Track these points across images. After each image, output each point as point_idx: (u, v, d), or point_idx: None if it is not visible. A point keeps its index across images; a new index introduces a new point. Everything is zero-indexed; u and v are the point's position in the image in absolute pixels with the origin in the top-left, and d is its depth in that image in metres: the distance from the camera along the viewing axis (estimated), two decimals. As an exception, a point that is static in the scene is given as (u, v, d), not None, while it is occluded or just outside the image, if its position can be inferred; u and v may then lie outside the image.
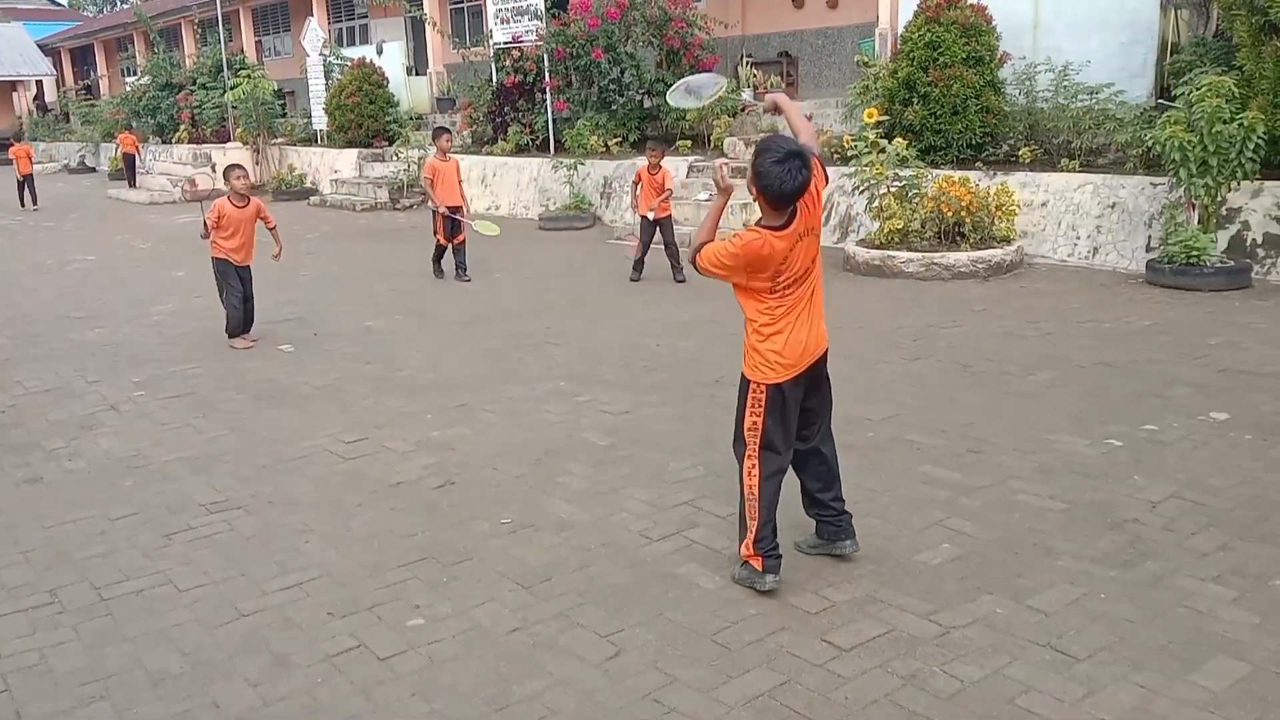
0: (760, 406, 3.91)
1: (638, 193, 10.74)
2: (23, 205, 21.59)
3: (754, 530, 3.93)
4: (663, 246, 10.64)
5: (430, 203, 11.20)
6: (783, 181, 3.64)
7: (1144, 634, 3.58)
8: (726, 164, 4.91)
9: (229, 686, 3.49)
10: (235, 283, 8.38)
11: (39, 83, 44.04)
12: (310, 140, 23.17)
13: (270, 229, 8.60)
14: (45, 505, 5.20)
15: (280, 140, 23.69)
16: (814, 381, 4.01)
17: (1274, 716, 3.09)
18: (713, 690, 3.34)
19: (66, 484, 5.50)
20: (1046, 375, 6.75)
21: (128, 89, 31.40)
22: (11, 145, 23.13)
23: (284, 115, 24.86)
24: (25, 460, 5.91)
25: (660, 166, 10.69)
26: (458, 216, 11.06)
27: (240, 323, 8.47)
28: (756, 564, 3.94)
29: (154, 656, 3.69)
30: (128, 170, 24.71)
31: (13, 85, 44.38)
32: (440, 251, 11.32)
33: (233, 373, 7.67)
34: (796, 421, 4.00)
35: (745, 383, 3.98)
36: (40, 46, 45.21)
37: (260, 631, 3.84)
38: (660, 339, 8.18)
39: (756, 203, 3.78)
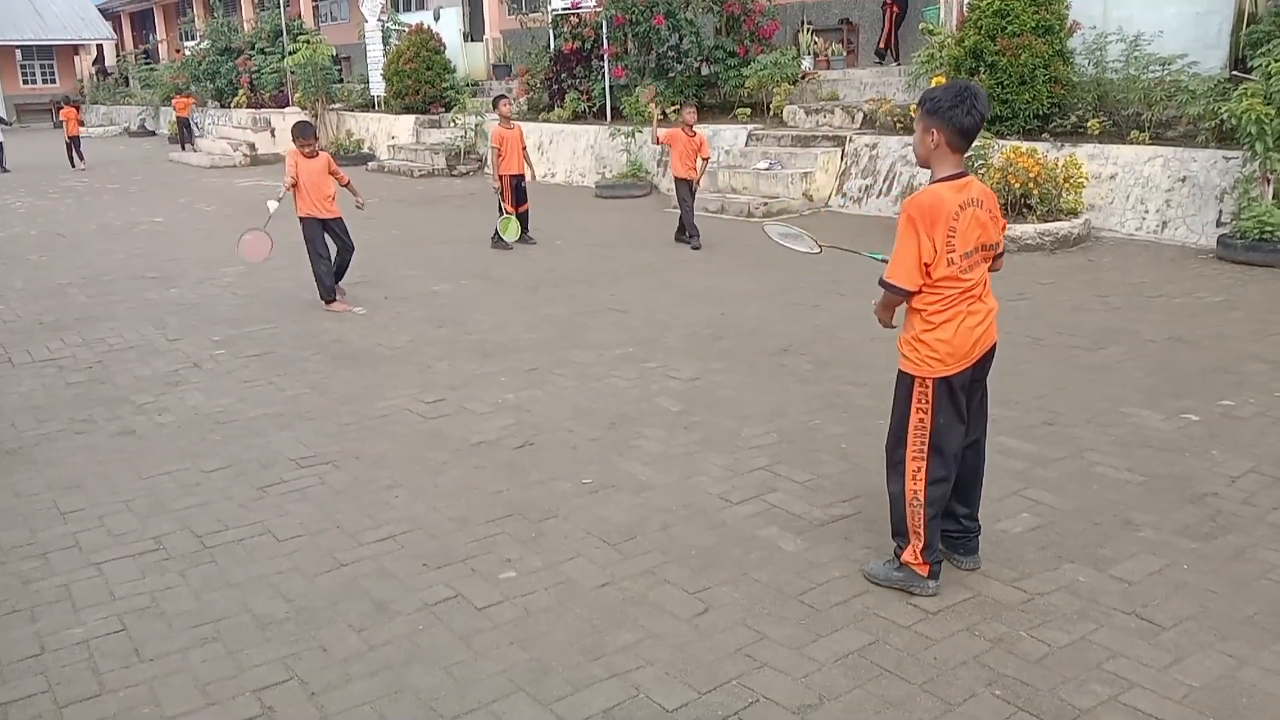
0: (928, 402, 3.59)
1: (660, 136, 11.43)
2: (72, 164, 22.80)
3: (923, 538, 3.67)
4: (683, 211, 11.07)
5: (494, 180, 11.26)
6: (960, 105, 3.42)
7: (1228, 605, 3.61)
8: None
9: (334, 631, 3.64)
10: (322, 246, 8.44)
11: (99, 47, 44.74)
12: (368, 106, 23.37)
13: (345, 185, 8.69)
14: (139, 457, 5.40)
15: (338, 106, 23.92)
16: (979, 378, 3.73)
17: (1364, 688, 3.12)
18: (803, 648, 3.43)
19: (158, 437, 5.70)
20: (1117, 349, 6.72)
21: (187, 53, 31.80)
22: (63, 108, 24.54)
23: (341, 81, 25.08)
24: (116, 414, 6.12)
25: (695, 130, 11.12)
26: (524, 184, 11.22)
27: (330, 289, 8.53)
28: (921, 570, 3.72)
29: (259, 601, 3.85)
30: (182, 133, 25.41)
31: (74, 49, 45.16)
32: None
33: (307, 333, 7.85)
34: (966, 423, 3.70)
35: (907, 379, 3.64)
36: (101, 11, 45.90)
37: (359, 580, 3.99)
38: (724, 307, 8.23)
39: (931, 158, 3.56)
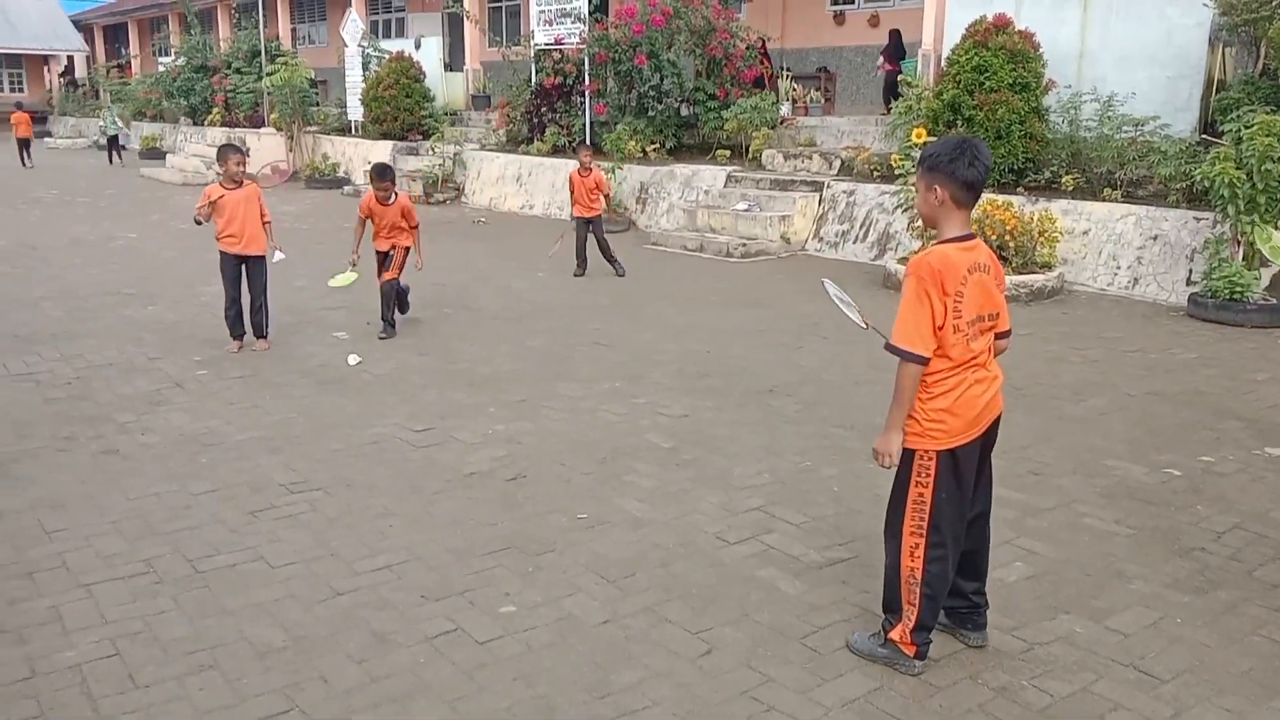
0: (929, 476, 3.42)
1: (573, 196, 11.45)
2: (22, 164, 25.88)
3: (914, 618, 3.49)
4: (598, 246, 11.40)
5: (353, 252, 8.78)
6: (961, 157, 3.32)
7: (1224, 659, 3.67)
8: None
9: (334, 662, 3.59)
10: (228, 281, 7.86)
11: (70, 58, 44.31)
12: (344, 130, 23.31)
13: (265, 224, 7.93)
14: (125, 477, 5.31)
15: (314, 128, 23.85)
16: (985, 451, 3.58)
17: (1360, 745, 3.18)
18: (809, 691, 3.44)
19: (143, 457, 5.61)
20: (1098, 401, 6.84)
21: (161, 69, 31.58)
22: (13, 113, 28.08)
23: (317, 104, 25.02)
24: (99, 432, 6.02)
25: (591, 169, 11.48)
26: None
27: (232, 323, 7.93)
28: (908, 650, 3.53)
29: (256, 629, 3.79)
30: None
31: (44, 59, 44.69)
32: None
33: (292, 357, 7.79)
34: (970, 498, 3.54)
35: (907, 453, 3.47)
36: (74, 21, 45.49)
37: (358, 610, 3.94)
38: (708, 344, 8.28)
39: (937, 217, 3.45)
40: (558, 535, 4.64)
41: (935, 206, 3.44)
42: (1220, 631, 3.86)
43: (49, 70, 44.74)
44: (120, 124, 28.75)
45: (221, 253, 7.88)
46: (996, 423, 3.59)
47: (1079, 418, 6.50)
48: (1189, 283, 10.05)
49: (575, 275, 11.42)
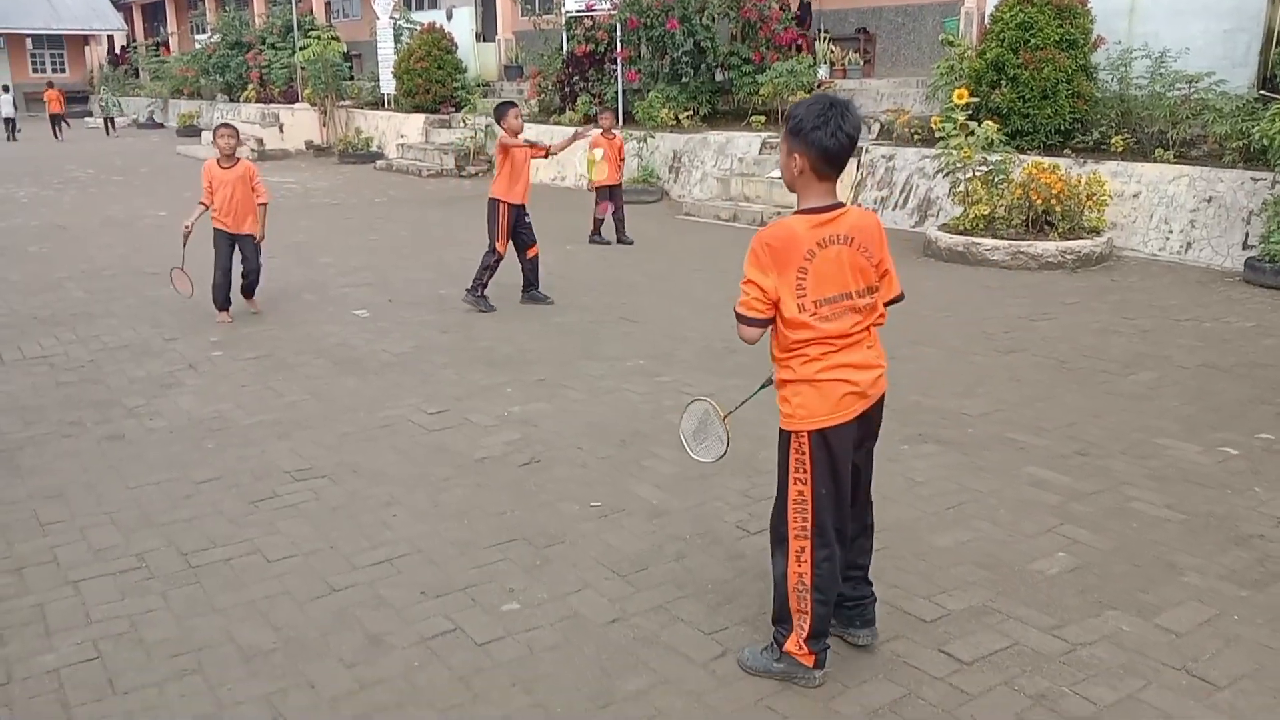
0: (806, 470, 3.12)
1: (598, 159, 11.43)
2: (55, 137, 28.92)
3: (808, 626, 3.18)
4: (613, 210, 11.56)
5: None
6: (824, 125, 2.96)
7: (1288, 663, 3.35)
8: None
9: (323, 666, 3.38)
10: (220, 254, 7.83)
11: (110, 37, 44.63)
12: (377, 104, 23.15)
13: (261, 205, 7.91)
14: (128, 465, 5.15)
15: (347, 103, 23.70)
16: (864, 443, 3.26)
17: None
18: (830, 700, 3.17)
19: (148, 443, 5.45)
20: (1149, 375, 6.46)
21: (197, 46, 31.63)
22: (46, 90, 31.86)
23: (351, 78, 24.87)
24: (106, 416, 5.88)
25: (615, 133, 11.71)
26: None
27: (222, 298, 7.91)
28: (806, 661, 3.22)
29: (245, 630, 3.60)
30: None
31: (85, 39, 45.07)
32: None
33: (309, 336, 7.61)
34: (849, 497, 3.22)
35: (784, 437, 3.19)
36: (113, 2, 45.79)
37: (352, 609, 3.73)
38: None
39: (796, 185, 3.11)
40: (569, 525, 4.41)
41: (795, 174, 3.09)
42: (1283, 631, 3.54)
43: (89, 50, 45.11)
44: (115, 105, 32.04)
45: (215, 229, 7.86)
46: (876, 411, 3.23)
47: (1129, 393, 6.14)
48: (1245, 247, 9.57)
49: (595, 241, 11.62)
